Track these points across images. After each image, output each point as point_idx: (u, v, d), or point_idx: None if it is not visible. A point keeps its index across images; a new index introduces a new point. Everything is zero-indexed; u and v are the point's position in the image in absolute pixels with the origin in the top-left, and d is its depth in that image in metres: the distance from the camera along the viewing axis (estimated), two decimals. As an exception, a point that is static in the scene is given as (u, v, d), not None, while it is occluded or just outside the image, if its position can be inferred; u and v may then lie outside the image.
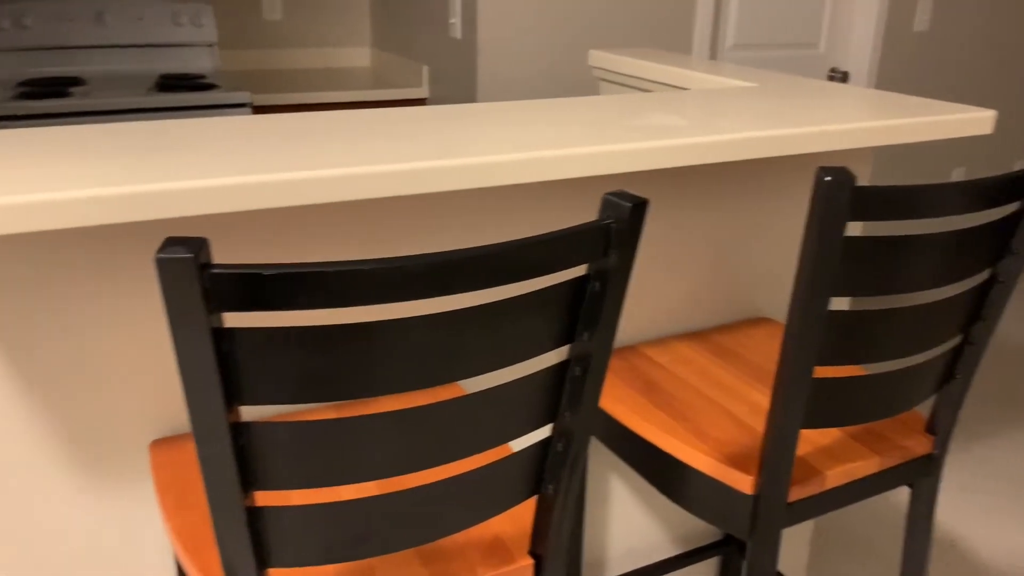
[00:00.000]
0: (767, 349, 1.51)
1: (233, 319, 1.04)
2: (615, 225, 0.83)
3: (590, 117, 1.35)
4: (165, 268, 0.67)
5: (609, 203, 0.84)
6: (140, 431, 1.22)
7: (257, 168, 1.00)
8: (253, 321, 1.19)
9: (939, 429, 1.28)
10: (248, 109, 2.82)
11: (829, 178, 0.94)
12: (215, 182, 0.95)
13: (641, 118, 1.35)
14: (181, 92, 2.78)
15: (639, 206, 0.84)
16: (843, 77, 3.35)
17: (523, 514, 1.07)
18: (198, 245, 0.68)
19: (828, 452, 1.23)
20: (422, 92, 3.09)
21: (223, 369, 0.73)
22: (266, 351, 0.73)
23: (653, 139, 1.20)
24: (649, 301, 1.58)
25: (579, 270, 0.86)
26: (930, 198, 1.00)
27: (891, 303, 3.32)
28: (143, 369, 1.20)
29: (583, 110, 1.41)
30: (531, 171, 1.11)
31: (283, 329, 0.73)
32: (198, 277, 0.67)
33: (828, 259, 0.98)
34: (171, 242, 0.67)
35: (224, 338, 0.72)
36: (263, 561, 0.84)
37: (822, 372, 1.32)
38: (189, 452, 1.18)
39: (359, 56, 3.58)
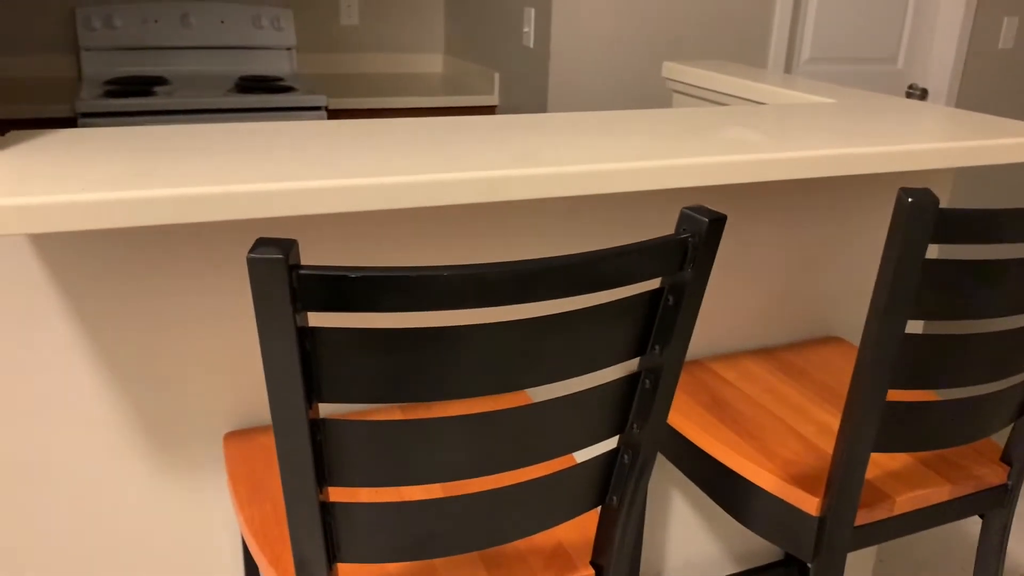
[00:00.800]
0: (836, 369, 1.49)
1: (316, 319, 1.07)
2: (692, 240, 0.84)
3: (666, 129, 1.35)
4: (256, 268, 0.69)
5: (687, 217, 0.84)
6: (215, 423, 1.26)
7: (342, 172, 1.03)
8: (334, 321, 1.22)
9: (1015, 459, 1.25)
10: (323, 112, 2.88)
11: (911, 200, 0.93)
12: (302, 185, 0.98)
13: (718, 132, 1.35)
14: (259, 94, 2.86)
15: (717, 221, 0.84)
16: (922, 94, 3.27)
17: (586, 523, 1.08)
18: (288, 246, 0.70)
19: (898, 477, 1.21)
20: (492, 99, 3.12)
21: (305, 367, 0.75)
22: (347, 351, 0.75)
23: (730, 153, 1.20)
24: (717, 315, 1.57)
25: (654, 283, 0.86)
26: (1014, 222, 0.98)
27: (969, 328, 3.23)
28: (221, 363, 1.24)
29: (659, 122, 1.41)
30: (612, 182, 1.12)
31: (364, 330, 0.75)
32: (287, 277, 0.70)
33: (907, 282, 0.96)
34: (262, 242, 0.70)
35: (308, 337, 0.74)
36: (333, 556, 0.86)
37: (895, 396, 1.30)
38: (262, 445, 1.21)
39: (432, 62, 3.62)
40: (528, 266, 0.76)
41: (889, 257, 0.96)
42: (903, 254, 0.95)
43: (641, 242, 0.81)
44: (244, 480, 1.13)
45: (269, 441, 1.22)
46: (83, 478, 1.23)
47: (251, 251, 0.69)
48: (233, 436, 1.24)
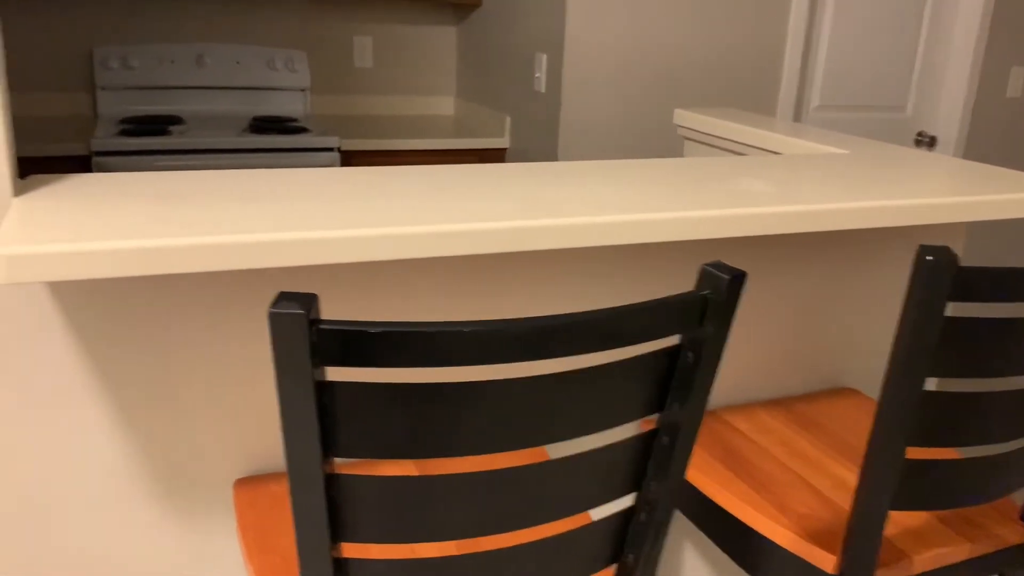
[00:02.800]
0: (851, 422, 1.48)
1: (333, 372, 1.07)
2: (712, 296, 0.83)
3: (682, 179, 1.36)
4: (277, 322, 0.69)
5: (707, 274, 0.84)
6: (226, 469, 1.25)
7: (359, 222, 1.03)
8: (351, 375, 1.22)
9: (1035, 518, 1.23)
10: (336, 153, 2.90)
11: (931, 258, 0.92)
12: (319, 235, 0.99)
13: (733, 183, 1.35)
14: (272, 134, 2.88)
15: (737, 279, 0.83)
16: (931, 142, 3.29)
17: (600, 579, 1.06)
18: (309, 301, 0.70)
19: (916, 535, 1.19)
20: (503, 142, 3.14)
21: (323, 421, 0.75)
22: (365, 406, 0.75)
23: (746, 206, 1.20)
24: (731, 366, 1.56)
25: (672, 339, 0.85)
26: (1036, 281, 0.97)
27: (989, 386, 3.22)
28: (232, 409, 1.23)
29: (674, 172, 1.41)
30: (629, 234, 1.12)
31: (382, 385, 0.74)
32: (307, 332, 0.69)
33: (926, 339, 0.96)
34: (284, 297, 0.70)
35: (326, 391, 0.74)
36: (345, 612, 0.85)
37: (914, 453, 1.28)
38: (272, 493, 1.20)
39: (444, 105, 3.66)
40: (549, 322, 0.75)
41: (908, 314, 0.95)
42: (922, 312, 0.94)
43: (662, 299, 0.81)
44: (254, 529, 1.11)
45: (279, 489, 1.21)
46: (92, 521, 1.22)
47: (273, 305, 0.69)
48: (243, 483, 1.23)
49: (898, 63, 3.21)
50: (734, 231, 1.18)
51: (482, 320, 0.74)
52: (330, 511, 0.79)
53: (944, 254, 0.92)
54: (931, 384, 1.79)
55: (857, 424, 1.47)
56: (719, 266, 0.84)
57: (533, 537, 0.88)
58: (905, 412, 1.00)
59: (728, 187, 1.32)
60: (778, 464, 1.32)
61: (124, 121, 3.00)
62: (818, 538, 1.15)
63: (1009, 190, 1.39)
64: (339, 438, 0.76)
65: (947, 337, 0.97)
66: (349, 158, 2.99)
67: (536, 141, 2.91)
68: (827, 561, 1.12)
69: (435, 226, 1.04)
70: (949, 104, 3.30)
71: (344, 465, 1.07)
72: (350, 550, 0.86)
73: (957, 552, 1.18)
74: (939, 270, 0.92)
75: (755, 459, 1.34)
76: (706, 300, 0.83)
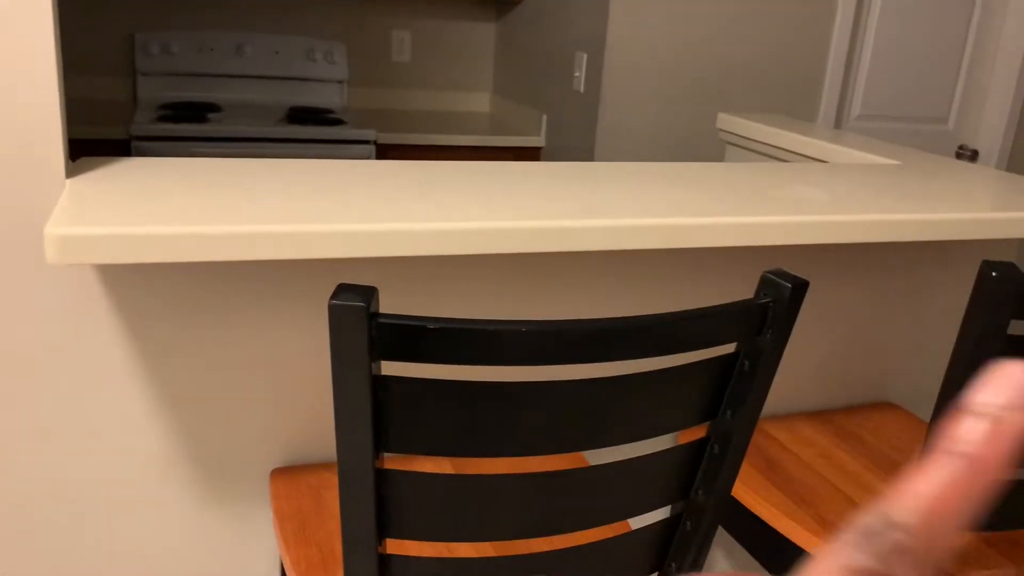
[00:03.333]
0: (893, 437, 1.45)
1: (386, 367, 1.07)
2: (773, 305, 0.82)
3: (734, 184, 1.34)
4: (337, 314, 0.68)
5: (768, 282, 0.82)
6: (264, 458, 1.25)
7: (412, 216, 1.02)
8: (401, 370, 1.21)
9: (1083, 544, 1.20)
10: (371, 146, 2.90)
11: (996, 273, 0.90)
12: (372, 227, 0.98)
13: (786, 190, 1.33)
14: (309, 125, 2.88)
15: (800, 287, 0.82)
16: (972, 155, 3.24)
17: (638, 587, 1.04)
18: (369, 294, 0.69)
19: (961, 555, 1.16)
20: (539, 140, 3.13)
21: (376, 415, 0.74)
22: (419, 402, 0.74)
23: (801, 214, 1.18)
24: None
25: (729, 347, 0.84)
26: (1102, 302, 0.95)
27: None
28: (273, 398, 1.23)
29: (724, 176, 1.39)
30: (684, 237, 1.10)
31: (436, 381, 0.73)
32: (367, 325, 0.68)
33: (987, 357, 0.93)
34: (344, 289, 0.69)
35: (381, 385, 0.73)
36: (386, 609, 0.84)
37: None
38: (309, 484, 1.19)
39: (480, 101, 3.65)
40: (608, 325, 0.74)
41: (969, 331, 0.93)
42: (984, 329, 0.92)
43: (722, 305, 0.79)
44: (291, 520, 1.11)
45: (316, 480, 1.20)
46: (129, 504, 1.22)
47: (333, 297, 0.68)
48: (280, 473, 1.22)
49: (941, 75, 3.16)
50: (794, 239, 1.16)
51: (541, 320, 0.72)
52: (378, 506, 0.78)
53: (1009, 270, 0.90)
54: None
55: (898, 439, 1.44)
56: (781, 274, 0.82)
57: (575, 543, 0.87)
58: (960, 430, 0.98)
59: (783, 194, 1.30)
60: (818, 477, 1.30)
61: (163, 107, 3.01)
62: (860, 554, 1.12)
63: (1066, 207, 1.36)
64: (391, 433, 0.75)
65: (1009, 356, 0.94)
66: (385, 151, 2.98)
67: (573, 141, 2.90)
68: None
69: (486, 223, 1.03)
70: (992, 118, 3.25)
71: (390, 460, 1.07)
72: (393, 546, 0.85)
73: (1003, 574, 1.15)
74: (1004, 287, 0.90)
75: (795, 471, 1.31)
76: (767, 308, 0.82)
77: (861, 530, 0.24)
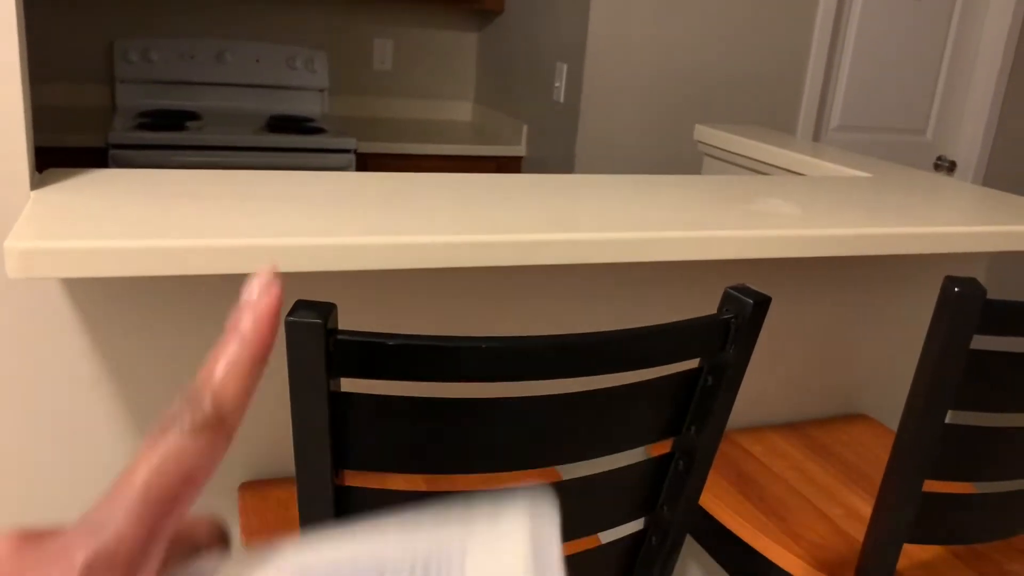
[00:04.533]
0: (865, 450, 1.45)
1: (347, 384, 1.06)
2: (735, 321, 0.82)
3: (703, 197, 1.34)
4: (294, 331, 0.68)
5: (731, 298, 0.82)
6: (231, 472, 1.24)
7: (377, 229, 1.02)
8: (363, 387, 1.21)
9: (1050, 556, 1.21)
10: (352, 155, 2.90)
11: (958, 289, 0.91)
12: (335, 241, 0.97)
13: (755, 203, 1.33)
14: (289, 134, 2.88)
15: (762, 303, 0.82)
16: (950, 167, 3.26)
17: (606, 601, 1.04)
18: (327, 310, 0.69)
19: (929, 569, 1.17)
20: (520, 150, 3.13)
21: (335, 432, 0.73)
22: (378, 418, 0.73)
23: (769, 228, 1.18)
24: (745, 388, 1.54)
25: (692, 362, 0.84)
26: (1064, 317, 0.95)
27: (1010, 421, 3.18)
28: (240, 411, 1.22)
29: (695, 189, 1.40)
30: (649, 251, 1.11)
31: (395, 398, 0.73)
32: (324, 342, 0.68)
33: (950, 372, 0.94)
34: (301, 305, 0.69)
35: (340, 402, 0.72)
36: (348, 626, 0.83)
37: (932, 486, 1.26)
38: (277, 499, 1.18)
39: (461, 110, 3.65)
40: (569, 341, 0.74)
41: (932, 346, 0.94)
42: (947, 344, 0.92)
43: (684, 321, 0.79)
44: (258, 535, 1.10)
45: (284, 494, 1.20)
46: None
47: (290, 314, 0.68)
48: (249, 487, 1.21)
49: (920, 87, 3.19)
50: (758, 253, 1.16)
51: (502, 336, 0.72)
52: (339, 523, 0.77)
53: (971, 286, 0.91)
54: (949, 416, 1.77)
55: (871, 452, 1.45)
56: (743, 290, 0.82)
57: (542, 557, 0.87)
58: (925, 445, 0.98)
59: (752, 207, 1.31)
60: (790, 490, 1.30)
61: (142, 115, 3.00)
62: (828, 567, 1.13)
63: (1034, 221, 1.37)
64: (351, 450, 0.75)
65: (971, 370, 0.95)
66: (365, 160, 2.98)
67: (553, 151, 2.90)
68: (838, 592, 1.10)
69: (450, 236, 1.03)
70: (970, 130, 3.28)
71: (353, 476, 1.06)
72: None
73: (970, 588, 1.15)
74: (966, 302, 0.91)
75: (767, 484, 1.32)
76: (729, 324, 0.82)
77: (171, 412, 0.28)
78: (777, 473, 1.35)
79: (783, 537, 1.18)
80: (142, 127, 2.77)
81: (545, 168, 2.98)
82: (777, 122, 2.97)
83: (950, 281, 0.91)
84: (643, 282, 1.40)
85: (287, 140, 2.84)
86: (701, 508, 1.29)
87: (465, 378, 0.72)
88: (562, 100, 2.81)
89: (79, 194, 1.06)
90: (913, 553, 1.19)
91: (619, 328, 0.76)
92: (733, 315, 0.82)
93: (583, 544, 1.09)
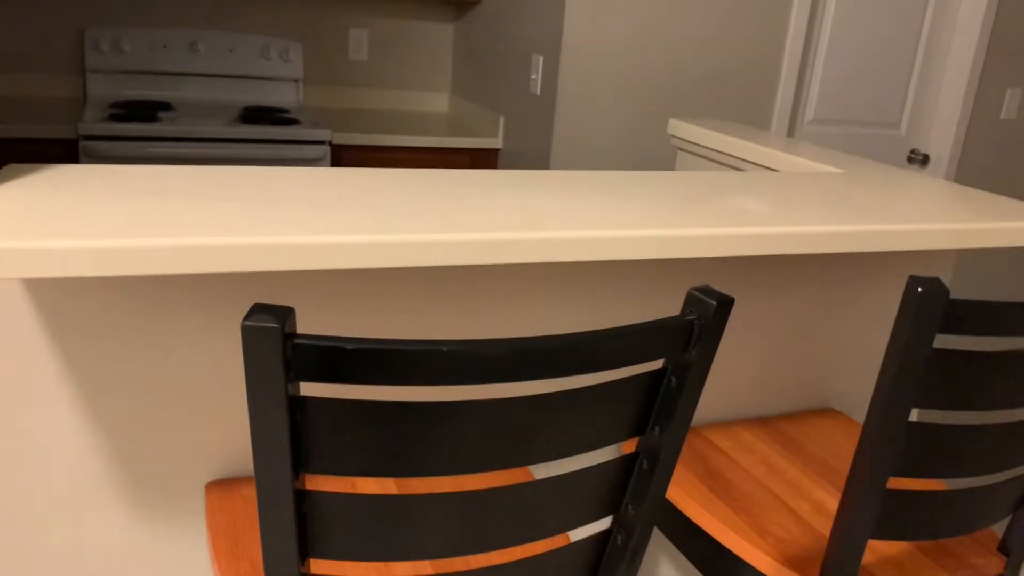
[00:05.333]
0: (832, 444, 1.46)
1: (307, 388, 1.05)
2: (699, 321, 0.82)
3: (673, 195, 1.34)
4: (251, 335, 0.67)
5: (694, 299, 0.82)
6: (199, 471, 1.23)
7: (343, 228, 1.01)
8: (326, 391, 1.20)
9: (1012, 550, 1.22)
10: (326, 147, 2.88)
11: (921, 289, 0.91)
12: (299, 240, 0.96)
13: (725, 200, 1.34)
14: (263, 125, 2.85)
15: (724, 304, 0.82)
16: (923, 160, 3.29)
17: (573, 599, 1.04)
18: (284, 314, 0.68)
19: (894, 563, 1.18)
20: (496, 143, 3.12)
21: (294, 436, 0.73)
22: (338, 423, 0.73)
23: (737, 226, 1.19)
24: (714, 383, 1.55)
25: (656, 363, 0.84)
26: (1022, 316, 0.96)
27: (972, 419, 3.22)
28: (207, 410, 1.21)
29: (665, 186, 1.40)
30: (616, 249, 1.10)
31: (355, 402, 0.72)
32: (282, 347, 0.67)
33: (913, 371, 0.95)
34: (258, 309, 0.68)
35: (299, 406, 0.72)
36: (311, 628, 0.83)
37: (896, 483, 1.27)
38: (244, 498, 1.18)
39: (438, 101, 3.63)
40: (530, 344, 0.74)
41: (896, 345, 0.94)
42: (910, 343, 0.93)
43: (647, 323, 0.79)
44: (224, 534, 1.09)
45: (252, 493, 1.19)
46: (59, 521, 1.19)
47: (246, 318, 0.67)
48: (216, 486, 1.20)
49: (894, 80, 3.20)
50: (726, 251, 1.16)
51: (463, 340, 0.72)
52: (299, 526, 0.77)
53: (934, 286, 0.91)
54: (914, 414, 1.79)
55: (839, 447, 1.46)
56: (707, 291, 0.82)
57: (508, 558, 0.87)
58: (889, 443, 0.99)
59: (722, 205, 1.31)
60: (759, 485, 1.31)
61: (114, 105, 2.96)
62: (795, 563, 1.14)
63: (1001, 219, 1.38)
64: (311, 454, 0.74)
65: (934, 369, 0.95)
66: (340, 152, 2.96)
67: (530, 143, 2.89)
68: (803, 587, 1.11)
69: (413, 235, 1.02)
70: (943, 123, 3.30)
71: (322, 480, 1.06)
72: (319, 567, 0.84)
73: (934, 583, 1.17)
74: (929, 302, 0.91)
75: (736, 479, 1.32)
76: (692, 325, 0.82)
77: None
78: (746, 468, 1.36)
79: (750, 532, 1.19)
80: (114, 118, 2.74)
81: (522, 160, 2.97)
82: (753, 115, 2.97)
83: (914, 281, 0.92)
84: (618, 279, 1.40)
85: (261, 131, 2.81)
86: (670, 503, 1.30)
87: (426, 382, 0.72)
88: (539, 93, 2.81)
89: (39, 191, 1.04)
90: (878, 548, 1.20)
91: (593, 328, 0.76)
92: (696, 316, 0.82)
93: (554, 543, 1.09)
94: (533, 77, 2.83)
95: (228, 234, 0.95)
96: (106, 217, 0.97)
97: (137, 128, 2.68)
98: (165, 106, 3.01)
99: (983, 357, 0.96)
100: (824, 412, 1.60)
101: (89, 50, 3.08)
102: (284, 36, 3.34)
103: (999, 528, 1.46)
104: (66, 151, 2.68)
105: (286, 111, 3.15)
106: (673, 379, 0.84)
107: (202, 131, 2.75)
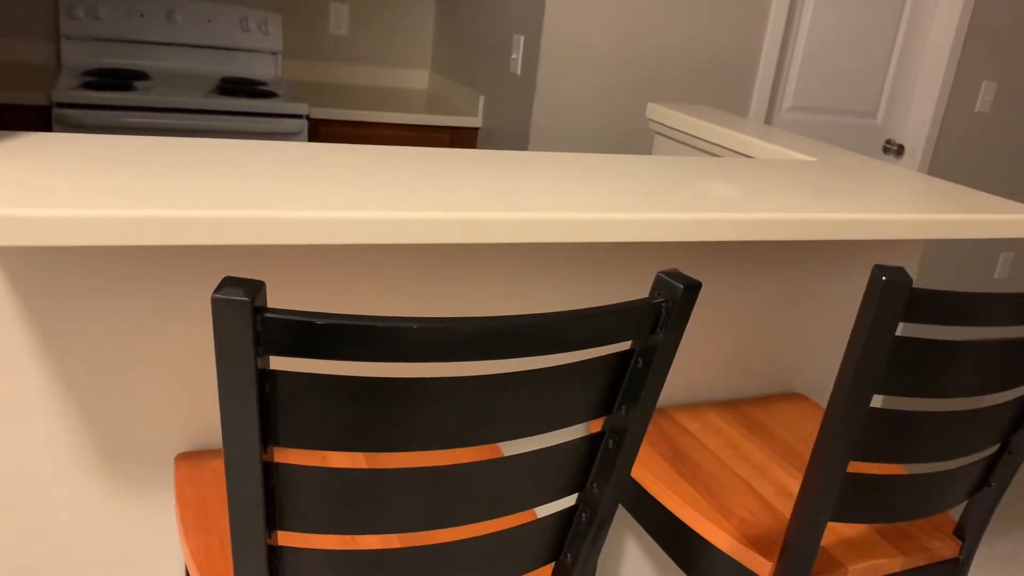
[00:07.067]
0: (797, 428, 1.49)
1: (277, 362, 1.06)
2: (666, 304, 0.83)
3: (648, 179, 1.35)
4: (220, 308, 0.67)
5: (662, 282, 0.83)
6: (168, 443, 1.23)
7: (318, 204, 1.01)
8: (297, 365, 1.20)
9: (968, 534, 1.25)
10: (304, 121, 2.86)
11: (885, 278, 0.93)
12: (272, 214, 0.96)
13: (698, 186, 1.35)
14: (240, 97, 2.82)
15: (692, 288, 0.83)
16: (898, 150, 3.32)
17: None
18: (255, 288, 0.68)
19: (852, 545, 1.20)
20: (476, 121, 3.12)
21: (263, 410, 0.73)
22: (307, 397, 0.73)
23: (709, 211, 1.20)
24: (683, 366, 1.57)
25: (624, 344, 0.85)
26: (986, 307, 0.98)
27: (932, 406, 3.27)
28: (177, 382, 1.21)
29: (640, 170, 1.41)
30: (590, 231, 1.11)
31: (324, 376, 0.73)
32: (251, 320, 0.68)
33: (875, 358, 0.96)
34: (229, 282, 0.68)
35: (268, 380, 0.72)
36: (277, 600, 0.84)
37: (856, 467, 1.30)
38: (214, 470, 1.18)
39: (418, 78, 3.61)
40: (499, 324, 0.75)
41: (859, 333, 0.96)
42: (873, 331, 0.95)
43: (615, 305, 0.80)
44: (192, 506, 1.10)
45: (221, 466, 1.19)
46: (28, 493, 1.19)
47: (216, 291, 0.67)
48: (185, 458, 1.21)
49: (871, 70, 3.23)
50: (696, 236, 1.17)
51: (433, 317, 0.72)
52: (267, 499, 0.78)
53: (898, 275, 0.93)
54: (877, 400, 1.82)
55: (804, 430, 1.48)
56: (675, 275, 0.84)
57: (474, 533, 0.88)
58: (850, 428, 1.01)
59: (695, 190, 1.32)
60: (724, 467, 1.33)
61: (88, 73, 2.92)
62: (756, 543, 1.16)
63: (966, 211, 1.40)
64: (279, 428, 0.75)
65: (896, 357, 0.97)
66: (317, 127, 2.94)
67: (509, 122, 2.89)
68: (763, 567, 1.13)
69: (387, 212, 1.02)
70: (919, 114, 3.34)
71: (293, 453, 1.06)
72: (286, 538, 0.85)
73: (891, 564, 1.20)
74: (893, 291, 0.93)
75: (701, 460, 1.34)
76: (660, 308, 0.83)
77: None
78: (712, 450, 1.38)
79: (714, 513, 1.21)
80: (88, 86, 2.70)
81: (501, 139, 2.97)
82: (732, 101, 2.99)
83: (878, 270, 0.94)
84: (591, 261, 1.41)
85: (238, 103, 2.79)
86: (636, 483, 1.32)
87: (396, 358, 0.73)
88: (519, 72, 2.80)
89: (12, 159, 1.03)
90: (838, 529, 1.23)
91: (567, 308, 0.77)
92: (664, 299, 0.83)
93: (520, 519, 1.11)
94: (514, 56, 2.82)
95: (199, 207, 0.95)
96: (75, 186, 0.96)
97: (112, 97, 2.65)
98: (141, 75, 2.97)
99: (944, 346, 0.99)
100: (791, 396, 1.62)
101: (64, 16, 3.03)
102: (263, 7, 3.31)
103: (956, 513, 1.49)
104: (39, 118, 2.64)
105: (264, 83, 3.12)
106: (640, 360, 0.85)
107: (178, 101, 2.73)
